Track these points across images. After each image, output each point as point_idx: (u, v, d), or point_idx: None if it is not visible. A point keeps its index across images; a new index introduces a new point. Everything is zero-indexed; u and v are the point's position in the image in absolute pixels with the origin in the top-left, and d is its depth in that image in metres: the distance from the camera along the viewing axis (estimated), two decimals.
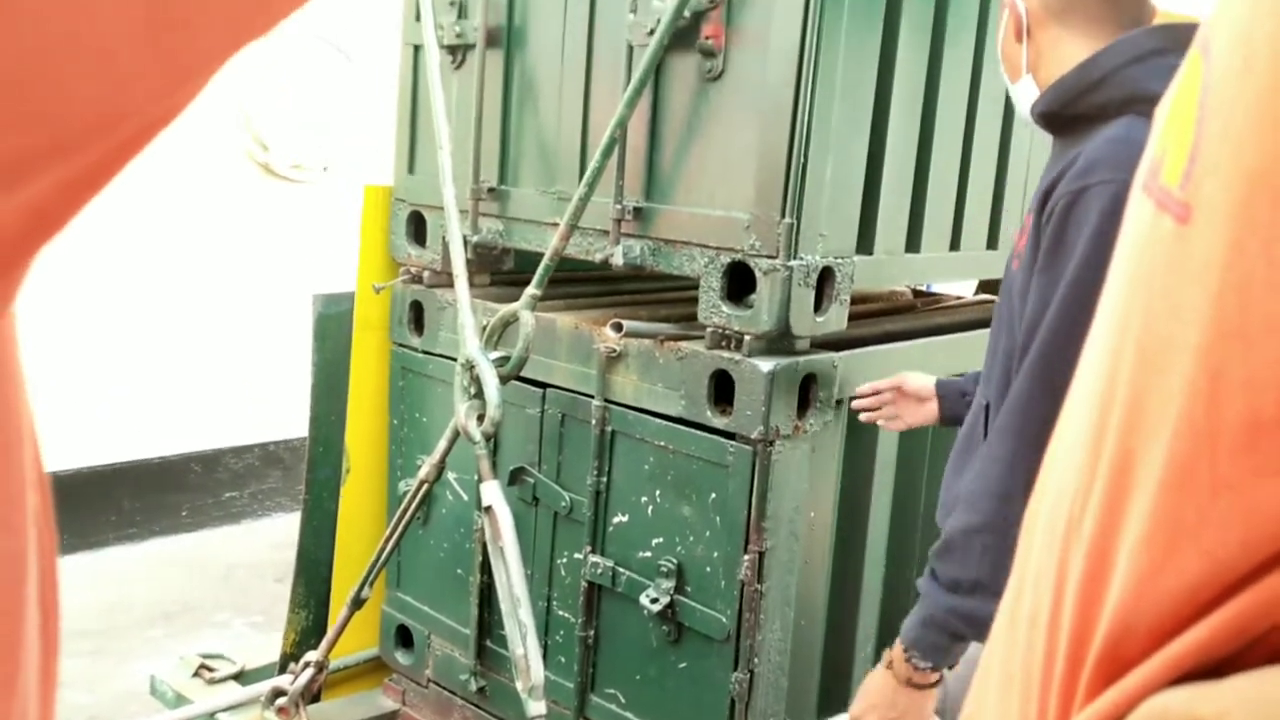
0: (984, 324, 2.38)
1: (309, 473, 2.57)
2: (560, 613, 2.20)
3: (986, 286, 2.54)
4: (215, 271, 3.88)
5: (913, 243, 2.00)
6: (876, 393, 1.81)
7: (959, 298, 2.54)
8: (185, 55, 0.33)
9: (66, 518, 3.70)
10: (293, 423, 3.91)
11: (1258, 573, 0.40)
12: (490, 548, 2.01)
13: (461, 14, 2.19)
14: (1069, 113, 1.35)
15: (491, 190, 2.20)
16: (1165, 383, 0.42)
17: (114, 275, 3.70)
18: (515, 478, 2.22)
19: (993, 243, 2.22)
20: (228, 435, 4.03)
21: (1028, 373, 1.29)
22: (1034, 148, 2.28)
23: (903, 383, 1.79)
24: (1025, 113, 1.47)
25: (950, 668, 1.39)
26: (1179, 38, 1.28)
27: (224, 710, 2.43)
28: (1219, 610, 0.41)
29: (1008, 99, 2.17)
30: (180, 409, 3.90)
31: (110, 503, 3.79)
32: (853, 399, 1.86)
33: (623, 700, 2.09)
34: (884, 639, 2.17)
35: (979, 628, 1.32)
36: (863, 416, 1.85)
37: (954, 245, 2.10)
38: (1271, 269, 0.37)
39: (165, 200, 3.72)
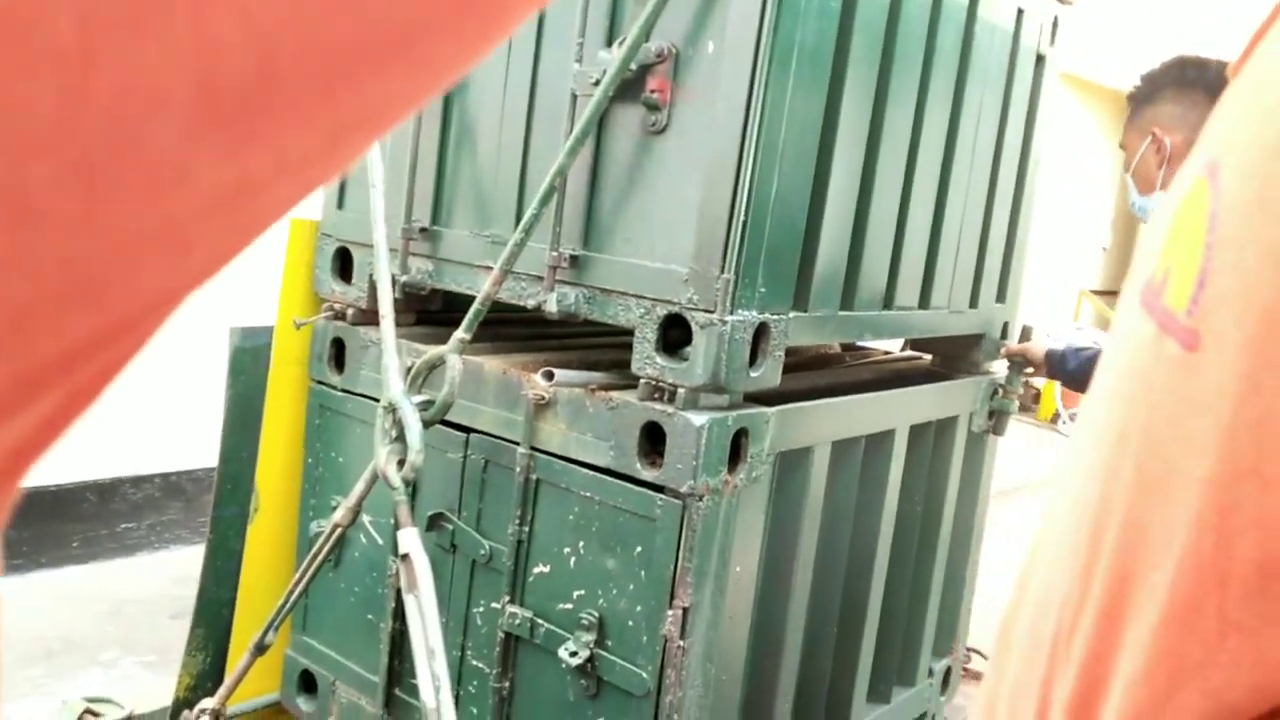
0: (914, 380, 2.42)
1: (215, 510, 2.47)
2: (475, 663, 2.14)
3: (914, 344, 2.59)
4: None
5: (847, 300, 2.02)
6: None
7: (886, 352, 2.57)
8: (256, 221, 0.29)
9: None
10: (197, 453, 3.77)
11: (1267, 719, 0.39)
12: (405, 596, 1.95)
13: None
14: None
15: (423, 230, 2.16)
16: (1170, 513, 0.41)
17: None
18: (433, 523, 2.16)
19: (924, 302, 2.26)
20: (127, 464, 3.87)
21: None
22: (966, 212, 2.33)
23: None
24: (1143, 219, 1.94)
25: None
26: None
27: None
28: None
29: (944, 164, 2.23)
30: (78, 435, 3.72)
31: None
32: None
33: None
34: (803, 694, 2.17)
35: None
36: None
37: (887, 304, 2.13)
38: (1237, 405, 0.36)
39: None
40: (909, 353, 2.59)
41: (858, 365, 2.38)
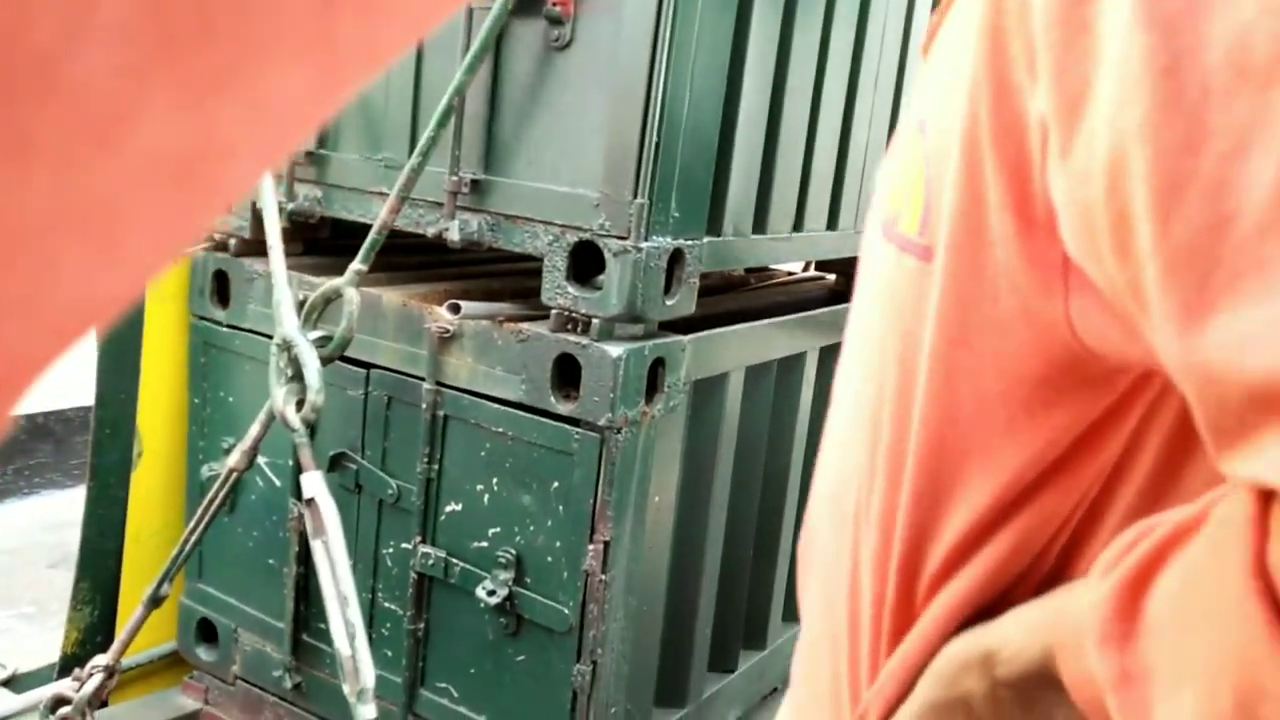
0: (822, 301, 2.41)
1: (94, 458, 2.32)
2: (387, 605, 2.08)
3: (819, 264, 2.57)
4: None
5: (759, 224, 1.98)
6: None
7: (789, 273, 2.55)
8: (216, 193, 0.20)
9: None
10: (66, 392, 3.55)
11: (1007, 517, 0.54)
12: (312, 542, 1.87)
13: None
14: None
15: (309, 154, 2.02)
16: (918, 380, 0.55)
17: None
18: (336, 463, 2.07)
19: (832, 224, 2.23)
20: None
21: None
22: (871, 132, 2.30)
23: None
24: None
25: None
26: None
27: None
28: (980, 554, 0.55)
29: (850, 83, 2.18)
30: None
31: None
32: None
33: (456, 694, 2.00)
34: (721, 619, 2.18)
35: None
36: None
37: (797, 226, 2.10)
38: (978, 285, 0.51)
39: None
40: (813, 273, 2.57)
41: (765, 288, 2.35)
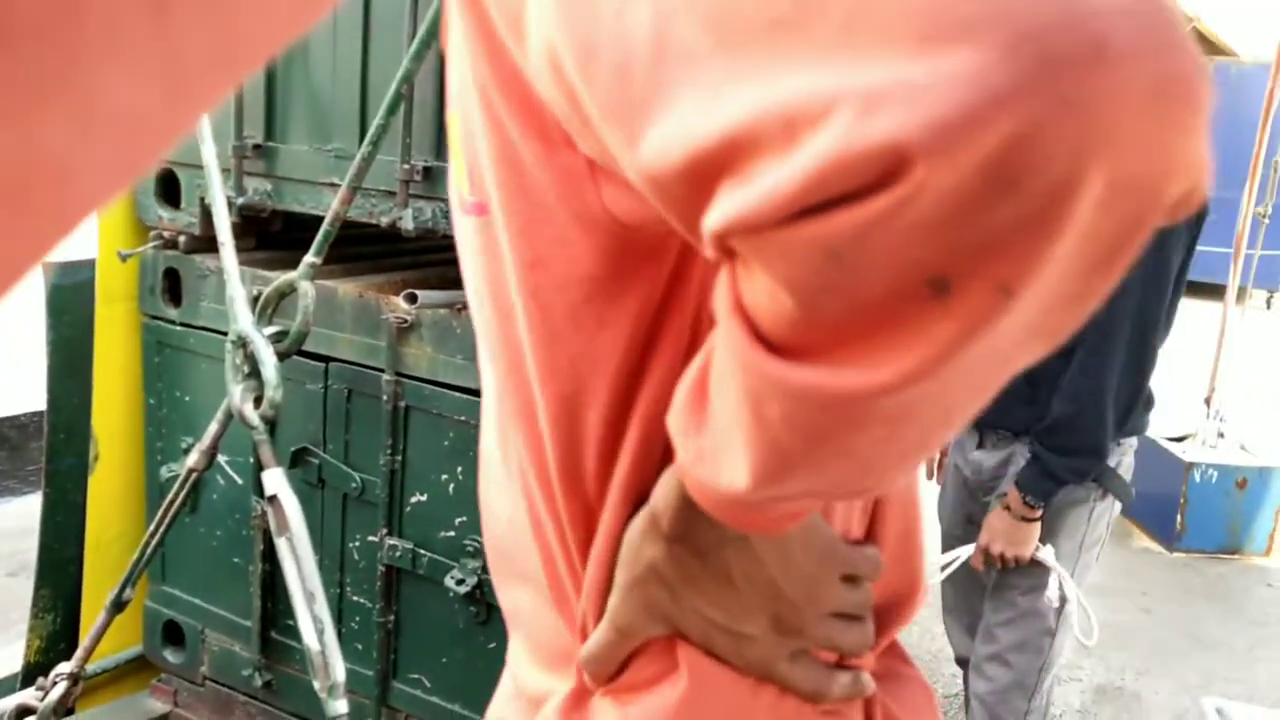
0: None
1: (48, 463, 2.28)
2: (355, 599, 2.07)
3: None
4: None
5: None
6: None
7: None
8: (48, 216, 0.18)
9: None
10: (19, 397, 3.49)
11: (632, 403, 0.62)
12: (276, 540, 1.85)
13: None
14: None
15: (257, 147, 1.98)
16: (517, 319, 0.62)
17: None
18: (298, 459, 2.05)
19: None
20: None
21: (1115, 313, 1.79)
22: None
23: None
24: None
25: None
26: None
27: None
28: (624, 445, 0.62)
29: None
30: None
31: None
32: None
33: (428, 685, 2.00)
34: None
35: (1079, 476, 1.92)
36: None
37: None
38: (533, 212, 0.57)
39: None
40: None
41: None
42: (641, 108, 0.45)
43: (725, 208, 0.42)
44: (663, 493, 0.61)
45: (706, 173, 0.42)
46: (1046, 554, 1.99)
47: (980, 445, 2.13)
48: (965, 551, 2.12)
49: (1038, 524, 1.97)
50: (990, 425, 2.09)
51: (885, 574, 0.68)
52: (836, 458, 0.48)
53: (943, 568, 2.12)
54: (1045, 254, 0.39)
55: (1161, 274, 1.84)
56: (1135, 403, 1.91)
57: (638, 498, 0.63)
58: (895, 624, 0.72)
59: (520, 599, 0.75)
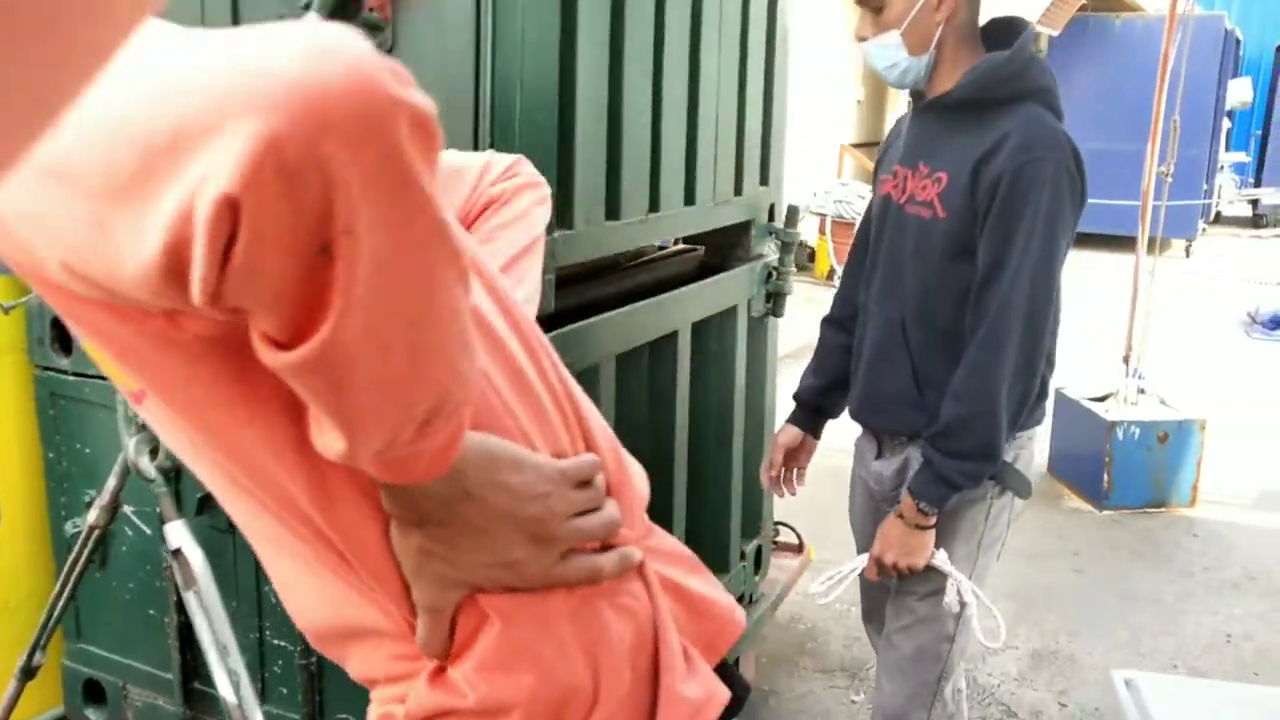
0: (686, 277, 2.38)
1: None
2: (276, 642, 2.01)
3: (685, 238, 2.55)
4: None
5: (612, 211, 1.94)
6: (776, 474, 2.17)
7: (660, 247, 2.53)
8: None
9: None
10: None
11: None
12: (184, 594, 1.79)
13: None
14: (984, 98, 1.77)
15: None
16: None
17: None
18: (204, 505, 1.98)
19: (689, 199, 2.21)
20: None
21: (1001, 303, 1.71)
22: (720, 99, 2.28)
23: (784, 447, 2.15)
24: (909, 81, 1.85)
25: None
26: (1030, 39, 1.81)
27: None
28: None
29: (692, 52, 2.14)
30: None
31: None
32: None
33: None
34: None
35: (974, 480, 1.81)
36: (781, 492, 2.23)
37: (653, 207, 2.07)
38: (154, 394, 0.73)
39: None
40: (681, 247, 2.55)
41: (631, 269, 2.32)
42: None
43: (177, 292, 0.57)
44: (382, 494, 0.76)
45: (157, 267, 0.56)
46: (941, 559, 1.87)
47: (879, 454, 2.02)
48: (860, 562, 1.99)
49: (932, 531, 1.86)
50: (885, 431, 1.99)
51: (610, 472, 0.89)
52: (373, 391, 0.62)
53: (838, 579, 2.00)
54: (349, 200, 0.54)
55: (1049, 260, 1.72)
56: (1028, 398, 1.80)
57: (379, 511, 0.77)
58: (638, 506, 0.94)
59: (363, 652, 0.87)
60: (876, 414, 1.99)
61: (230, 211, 0.52)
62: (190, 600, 1.76)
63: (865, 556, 1.96)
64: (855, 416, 2.06)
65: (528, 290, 1.12)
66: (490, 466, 0.77)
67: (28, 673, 2.00)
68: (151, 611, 2.13)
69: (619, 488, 0.90)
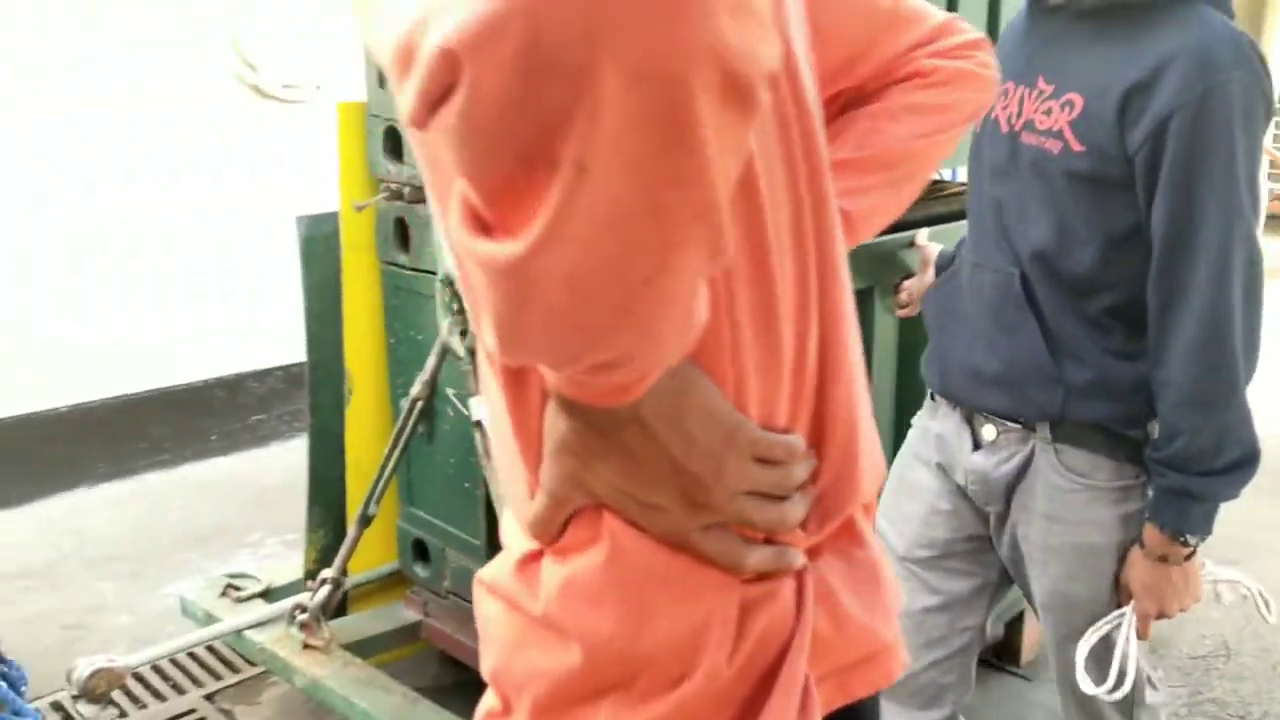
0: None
1: (311, 396, 2.58)
2: None
3: None
4: (215, 198, 3.86)
5: None
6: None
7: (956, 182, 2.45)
8: None
9: (98, 447, 3.78)
10: None
11: None
12: (483, 463, 2.01)
13: None
14: (1131, 1, 1.41)
15: None
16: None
17: (120, 209, 3.70)
18: None
19: None
20: (248, 359, 4.07)
21: (1219, 282, 1.38)
22: None
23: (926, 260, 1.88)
24: None
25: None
26: None
27: (250, 627, 2.49)
28: None
29: None
30: (199, 335, 3.94)
31: (140, 430, 3.87)
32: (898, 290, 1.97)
33: None
34: None
35: (1239, 488, 1.46)
36: (902, 313, 1.98)
37: None
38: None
39: (170, 130, 3.70)
40: None
41: (930, 199, 2.27)
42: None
43: (400, 104, 0.51)
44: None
45: (394, 75, 0.51)
46: (1217, 570, 1.54)
47: (978, 445, 1.63)
48: (1117, 619, 1.54)
49: (1195, 558, 1.50)
50: (997, 415, 1.60)
51: (829, 462, 0.75)
52: (547, 324, 0.54)
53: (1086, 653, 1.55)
54: (597, 133, 0.45)
55: (1254, 209, 1.38)
56: (1251, 375, 1.44)
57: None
58: (839, 509, 0.77)
59: (504, 480, 0.83)
60: (987, 393, 1.59)
61: (449, 64, 0.46)
62: (487, 469, 1.97)
63: (1122, 613, 1.55)
64: (948, 394, 1.66)
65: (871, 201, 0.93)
66: (678, 405, 0.67)
67: (364, 520, 2.34)
68: (466, 484, 2.41)
69: (837, 480, 0.77)
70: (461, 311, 1.99)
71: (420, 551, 2.61)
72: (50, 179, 3.64)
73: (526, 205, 0.48)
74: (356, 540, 2.38)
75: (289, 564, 2.94)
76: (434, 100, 0.47)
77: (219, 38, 3.79)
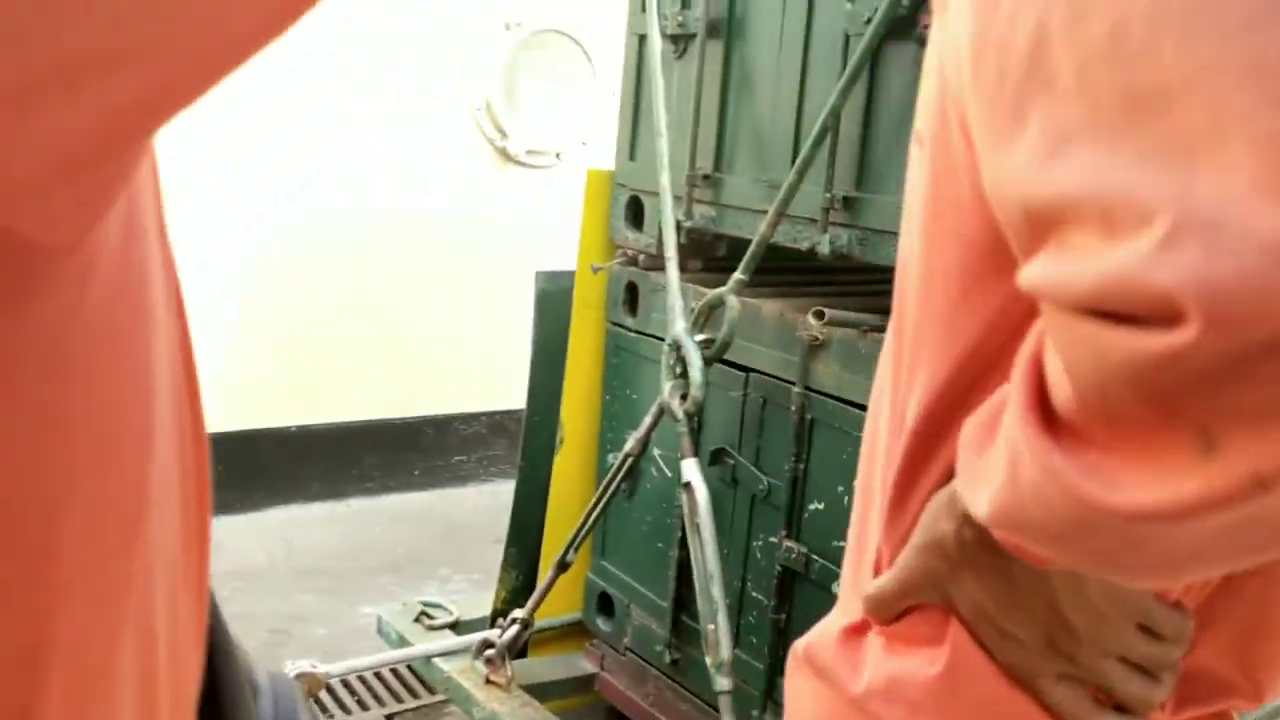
0: None
1: (525, 441, 2.72)
2: (754, 594, 2.24)
3: None
4: (455, 250, 4.14)
5: None
6: None
7: None
8: None
9: (317, 469, 4.06)
10: (518, 395, 4.12)
11: (974, 387, 0.64)
12: (687, 523, 2.08)
13: (684, 5, 2.25)
14: None
15: (706, 177, 2.25)
16: (914, 252, 0.67)
17: (368, 254, 4.01)
18: (716, 458, 2.27)
19: None
20: (458, 402, 4.30)
21: None
22: None
23: None
24: None
25: None
26: None
27: (439, 655, 2.61)
28: (957, 421, 0.63)
29: None
30: (418, 376, 4.19)
31: (354, 458, 4.13)
32: None
33: None
34: None
35: None
36: None
37: None
38: (947, 164, 0.60)
39: (412, 180, 4.00)
40: None
41: None
42: (1006, 120, 0.48)
43: (1037, 269, 0.46)
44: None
45: (1035, 225, 0.46)
46: None
47: None
48: None
49: None
50: None
51: (1213, 649, 0.69)
52: (1073, 541, 0.50)
53: None
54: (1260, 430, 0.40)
55: None
56: None
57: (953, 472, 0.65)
58: (1213, 701, 0.71)
59: (851, 537, 0.82)
60: None
61: (1164, 307, 0.40)
62: (691, 529, 2.04)
63: None
64: None
65: None
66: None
67: (561, 566, 2.43)
68: (659, 544, 2.47)
69: (1219, 667, 0.70)
70: (684, 375, 2.08)
71: (605, 605, 2.68)
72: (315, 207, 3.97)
73: (1139, 461, 0.44)
74: (551, 585, 2.47)
75: (475, 599, 3.06)
76: (1106, 309, 0.42)
77: (472, 103, 4.09)
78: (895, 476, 0.69)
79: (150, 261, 0.38)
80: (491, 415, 4.37)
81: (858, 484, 0.81)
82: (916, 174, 0.67)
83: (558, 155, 4.22)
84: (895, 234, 1.86)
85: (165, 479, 0.40)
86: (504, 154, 4.11)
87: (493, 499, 4.27)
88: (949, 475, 0.65)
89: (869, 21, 1.79)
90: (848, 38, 1.89)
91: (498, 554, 2.83)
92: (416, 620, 2.79)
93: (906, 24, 1.79)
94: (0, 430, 0.31)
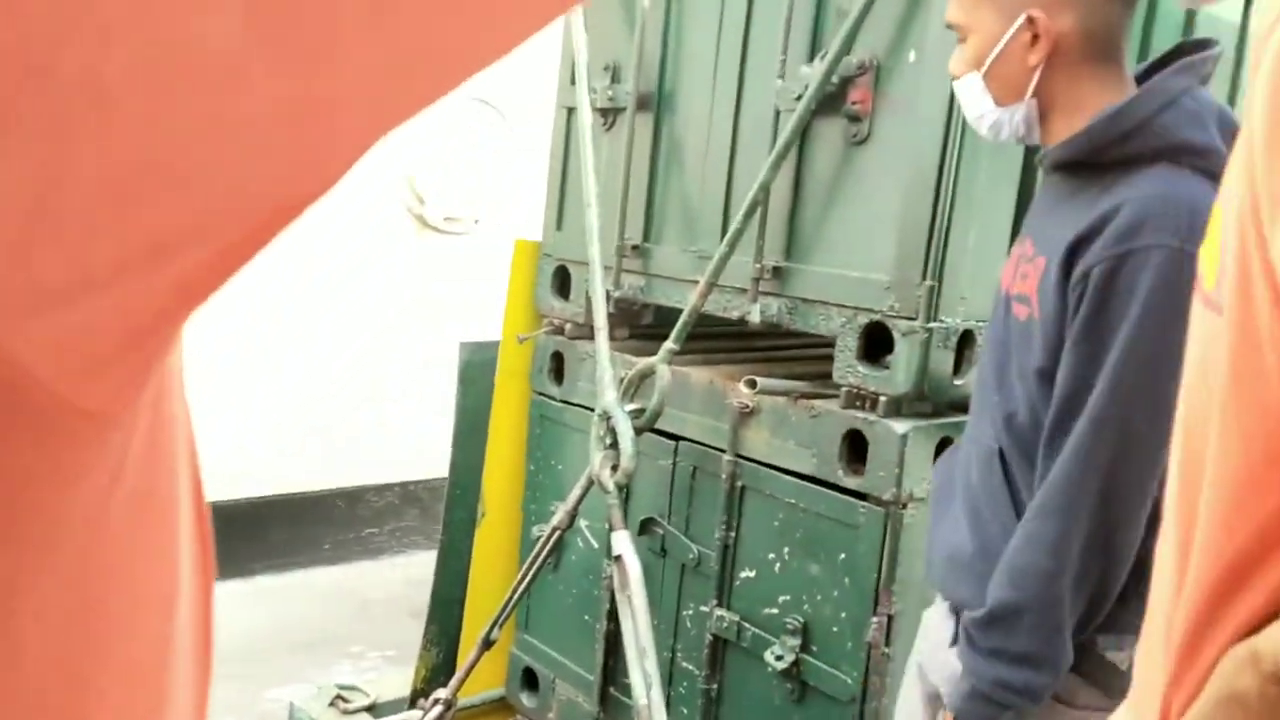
0: None
1: (446, 514, 2.66)
2: (684, 664, 2.21)
3: None
4: (368, 316, 4.07)
5: None
6: None
7: None
8: (328, 141, 0.32)
9: (222, 545, 3.89)
10: (431, 464, 4.04)
11: (1269, 553, 0.59)
12: (618, 596, 2.05)
13: (614, 79, 2.29)
14: (1094, 161, 1.29)
15: (635, 247, 2.27)
16: (1212, 418, 0.61)
17: (276, 317, 3.92)
18: (645, 528, 2.25)
19: None
20: (371, 473, 4.20)
21: (1074, 453, 1.23)
22: None
23: None
24: (1004, 136, 1.37)
25: None
26: (1200, 73, 1.29)
27: None
28: (1255, 580, 0.60)
29: None
30: (328, 446, 4.08)
31: (261, 533, 3.99)
32: None
33: None
34: None
35: (1029, 697, 1.26)
36: None
37: None
38: (1249, 338, 0.56)
39: (326, 248, 3.94)
40: None
41: None
42: None
43: None
44: (1275, 636, 0.60)
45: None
46: None
47: (955, 639, 1.39)
48: None
49: None
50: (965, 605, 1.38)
51: None
52: None
53: None
54: None
55: (1150, 393, 1.20)
56: (1111, 586, 1.26)
57: (1258, 624, 0.62)
58: None
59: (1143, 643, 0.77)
60: (962, 580, 1.38)
61: None
62: (622, 602, 2.01)
63: None
64: (932, 579, 1.49)
65: None
66: None
67: (486, 644, 2.36)
68: (586, 617, 2.43)
69: None
70: (613, 446, 2.06)
71: (530, 680, 2.62)
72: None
73: None
74: (475, 663, 2.40)
75: (392, 678, 2.96)
76: None
77: (392, 169, 4.06)
78: (1189, 626, 0.66)
79: (177, 412, 0.37)
80: (405, 485, 4.27)
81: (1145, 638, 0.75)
82: (1208, 336, 0.63)
83: (476, 221, 4.21)
84: (824, 303, 1.90)
85: (184, 639, 0.39)
86: (421, 221, 4.09)
87: (405, 572, 4.16)
88: (1248, 628, 0.62)
89: (799, 98, 1.84)
90: (778, 113, 1.94)
91: (413, 629, 2.74)
92: (331, 704, 2.68)
93: (835, 100, 1.84)
94: (43, 597, 0.32)
